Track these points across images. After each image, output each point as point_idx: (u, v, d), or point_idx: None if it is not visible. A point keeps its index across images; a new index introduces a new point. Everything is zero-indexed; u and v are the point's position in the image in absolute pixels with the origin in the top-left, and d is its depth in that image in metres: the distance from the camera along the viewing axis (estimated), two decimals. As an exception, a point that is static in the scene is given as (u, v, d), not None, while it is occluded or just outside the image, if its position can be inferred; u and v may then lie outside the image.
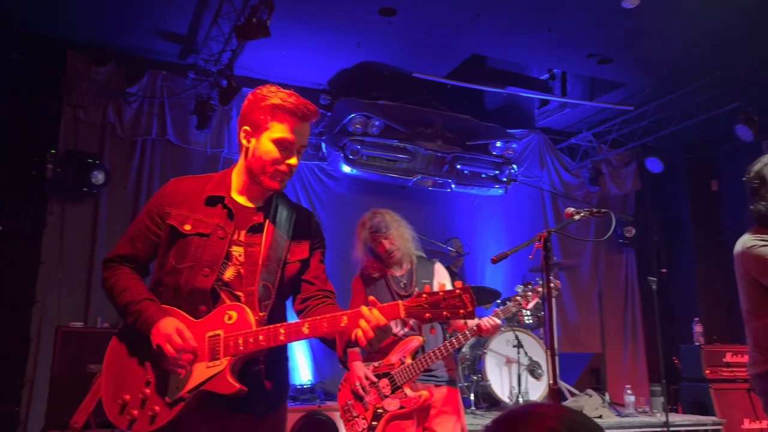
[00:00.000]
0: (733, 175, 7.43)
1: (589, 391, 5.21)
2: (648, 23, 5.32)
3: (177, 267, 1.91)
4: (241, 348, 1.80)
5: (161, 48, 5.88)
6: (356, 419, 3.14)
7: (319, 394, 5.19)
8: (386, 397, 3.09)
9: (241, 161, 2.02)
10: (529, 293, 3.34)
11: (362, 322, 1.75)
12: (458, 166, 6.75)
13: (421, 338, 3.16)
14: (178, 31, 5.60)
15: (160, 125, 5.93)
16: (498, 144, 6.81)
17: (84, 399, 3.11)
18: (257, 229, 1.99)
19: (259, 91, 1.97)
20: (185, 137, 6.04)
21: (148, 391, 1.83)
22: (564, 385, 5.50)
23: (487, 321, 3.24)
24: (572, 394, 5.38)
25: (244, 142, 1.99)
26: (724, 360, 5.58)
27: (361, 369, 3.15)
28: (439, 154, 6.64)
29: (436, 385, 3.19)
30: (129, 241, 2.01)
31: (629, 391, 5.41)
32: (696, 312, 7.24)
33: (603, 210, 2.67)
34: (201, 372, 1.81)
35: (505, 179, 6.89)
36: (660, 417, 4.85)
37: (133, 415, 1.82)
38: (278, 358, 2.01)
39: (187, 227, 1.93)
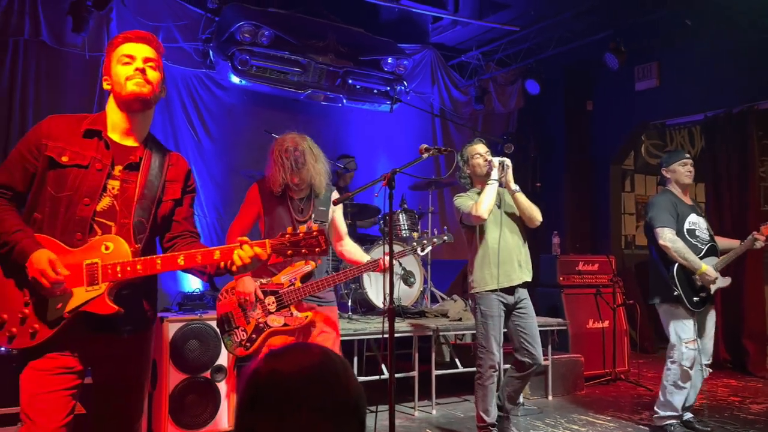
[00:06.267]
0: (604, 97, 8.05)
1: (455, 296, 5.74)
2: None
3: (56, 195, 2.02)
4: (119, 275, 2.00)
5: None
6: (236, 330, 3.28)
7: (209, 301, 5.10)
8: (271, 313, 3.25)
9: (110, 101, 2.15)
10: (425, 242, 3.59)
11: (237, 251, 2.04)
12: (350, 81, 6.80)
13: (313, 264, 3.27)
14: None
15: (33, 24, 5.51)
16: (389, 60, 6.93)
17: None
18: (134, 167, 2.13)
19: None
20: (61, 39, 5.65)
21: (27, 310, 1.97)
22: (435, 291, 6.06)
23: (383, 261, 3.39)
24: (441, 299, 5.95)
25: (106, 86, 2.13)
26: (576, 268, 6.09)
27: (251, 284, 3.25)
28: (332, 69, 6.66)
29: (320, 305, 3.37)
30: (6, 170, 2.07)
31: (492, 295, 5.96)
32: (562, 224, 7.95)
33: (449, 149, 2.99)
34: (80, 295, 1.99)
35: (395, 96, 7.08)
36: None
37: (12, 332, 1.97)
38: (148, 286, 2.22)
39: (65, 158, 2.04)
